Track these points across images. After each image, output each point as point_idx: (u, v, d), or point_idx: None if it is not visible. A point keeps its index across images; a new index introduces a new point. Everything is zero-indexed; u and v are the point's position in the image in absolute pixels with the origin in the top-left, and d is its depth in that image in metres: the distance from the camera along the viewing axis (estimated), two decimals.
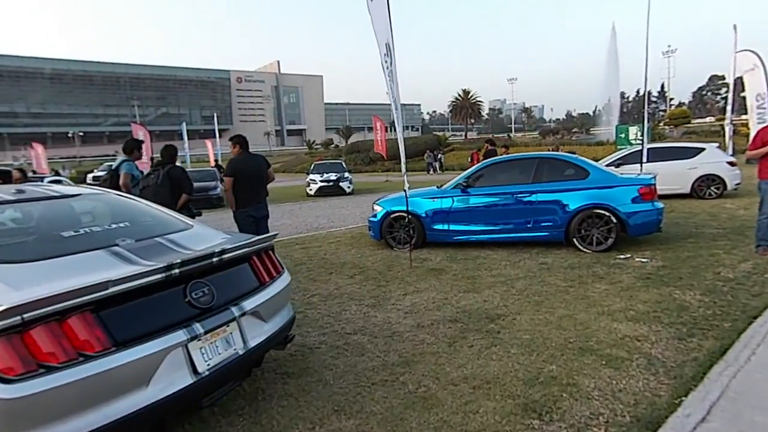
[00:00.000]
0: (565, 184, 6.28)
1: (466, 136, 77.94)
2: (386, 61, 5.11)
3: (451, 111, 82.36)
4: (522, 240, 6.51)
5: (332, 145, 70.13)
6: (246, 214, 5.75)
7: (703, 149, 11.00)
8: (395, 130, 6.23)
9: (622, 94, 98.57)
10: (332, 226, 10.12)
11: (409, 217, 6.89)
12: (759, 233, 5.59)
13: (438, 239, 6.89)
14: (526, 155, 7.15)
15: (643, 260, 5.55)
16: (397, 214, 6.99)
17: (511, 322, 3.87)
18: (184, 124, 35.95)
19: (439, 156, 35.48)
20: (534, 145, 40.85)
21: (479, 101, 79.37)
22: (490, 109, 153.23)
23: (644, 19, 8.99)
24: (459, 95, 79.23)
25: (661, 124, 55.15)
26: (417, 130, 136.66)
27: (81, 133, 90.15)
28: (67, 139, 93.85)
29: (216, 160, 29.20)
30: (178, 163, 5.86)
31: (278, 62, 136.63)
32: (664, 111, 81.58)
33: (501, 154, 13.73)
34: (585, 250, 6.15)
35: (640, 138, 21.75)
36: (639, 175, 6.79)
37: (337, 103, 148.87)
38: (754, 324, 3.49)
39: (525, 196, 6.36)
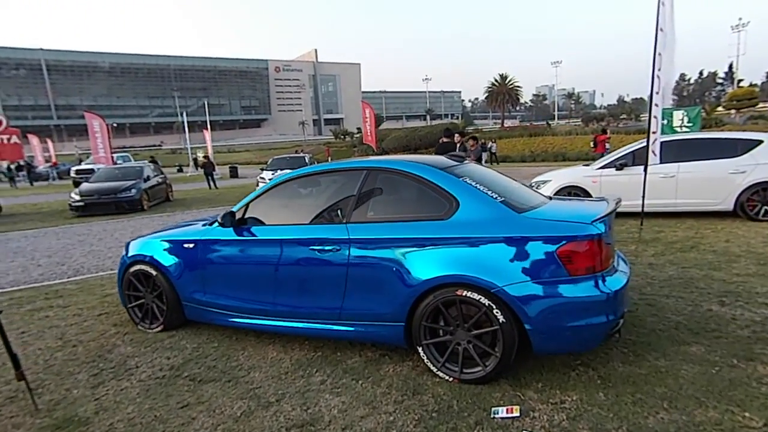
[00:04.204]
0: (408, 228, 2.94)
1: (503, 124, 72.58)
2: None
3: (486, 98, 76.95)
4: (332, 336, 3.24)
5: (357, 135, 67.10)
6: None
7: (759, 142, 7.01)
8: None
9: (683, 76, 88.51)
10: None
11: (156, 275, 3.79)
12: None
13: (201, 318, 3.74)
14: (347, 164, 3.74)
15: None
16: (138, 266, 3.89)
17: None
18: (184, 113, 34.24)
19: (490, 145, 27.80)
20: (572, 134, 35.78)
21: (518, 86, 73.54)
22: (534, 95, 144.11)
23: None
24: (496, 80, 73.75)
25: (720, 107, 47.36)
26: (457, 117, 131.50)
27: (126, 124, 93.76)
28: (121, 129, 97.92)
29: (205, 156, 26.82)
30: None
31: (315, 51, 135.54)
32: None
33: (471, 149, 10.35)
34: (440, 373, 2.82)
35: (688, 125, 17.45)
36: (576, 206, 3.33)
37: (374, 92, 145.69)
38: None
39: (330, 250, 3.07)
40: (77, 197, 12.22)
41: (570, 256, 2.57)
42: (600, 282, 2.61)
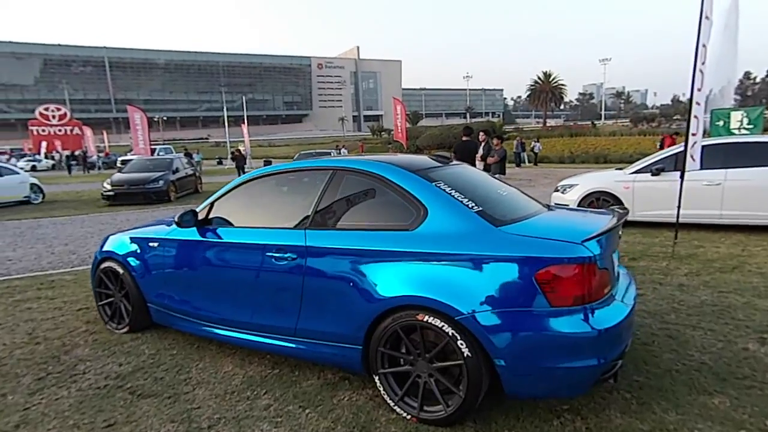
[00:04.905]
0: (369, 238, 2.55)
1: (545, 123, 70.07)
2: None
3: (528, 96, 74.45)
4: (289, 354, 2.91)
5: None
6: None
7: None
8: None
9: (747, 74, 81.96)
10: None
11: (123, 273, 3.60)
12: None
13: (167, 322, 3.51)
14: (315, 163, 3.29)
15: None
16: (108, 263, 3.72)
17: None
18: (224, 108, 35.11)
19: (533, 144, 27.43)
20: (617, 135, 33.75)
21: (562, 85, 70.67)
22: (580, 94, 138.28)
23: None
24: (539, 78, 71.16)
25: None
26: (498, 116, 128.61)
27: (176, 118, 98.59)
28: (172, 123, 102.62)
29: (237, 149, 27.21)
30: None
31: (357, 48, 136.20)
32: None
33: (495, 148, 9.77)
34: (397, 408, 2.43)
35: (747, 126, 16.06)
36: (571, 220, 2.84)
37: (413, 89, 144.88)
38: None
39: (286, 258, 2.73)
40: (108, 187, 12.59)
41: (551, 282, 2.11)
42: (590, 316, 2.14)
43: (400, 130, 20.98)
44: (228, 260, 3.03)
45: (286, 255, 2.72)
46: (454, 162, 3.20)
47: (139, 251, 3.50)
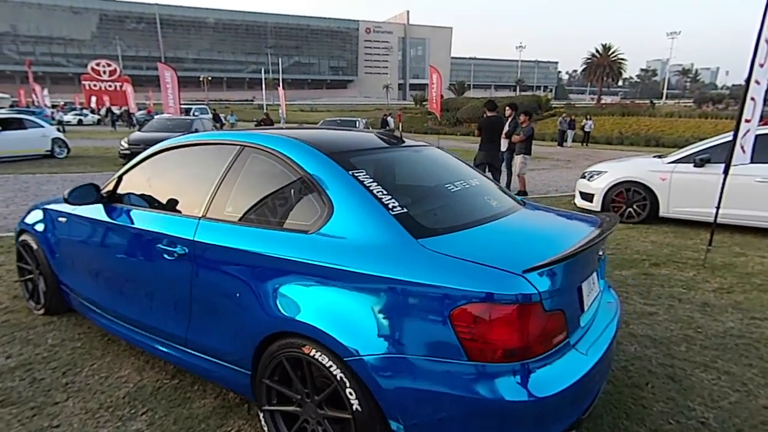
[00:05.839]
0: (262, 238, 1.95)
1: (599, 100, 65.61)
2: None
3: (584, 70, 69.60)
4: (181, 365, 2.42)
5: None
6: None
7: None
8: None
9: None
10: None
11: (36, 249, 3.22)
12: None
13: (79, 309, 3.09)
14: (223, 136, 2.58)
15: None
16: (24, 236, 3.34)
17: None
18: (262, 70, 34.80)
19: (584, 123, 24.38)
20: (674, 116, 30.75)
21: (621, 59, 65.38)
22: (642, 70, 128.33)
23: None
24: (597, 51, 66.19)
25: None
26: (550, 90, 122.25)
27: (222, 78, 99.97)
28: (218, 83, 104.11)
29: (266, 113, 26.80)
30: None
31: (407, 12, 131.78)
32: None
33: (523, 125, 8.83)
34: None
35: None
36: (531, 231, 2.09)
37: (462, 58, 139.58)
38: None
39: (174, 252, 2.21)
40: (126, 145, 12.55)
41: (472, 326, 1.47)
42: (527, 377, 1.49)
43: (435, 101, 19.91)
44: (123, 247, 2.54)
45: (175, 249, 2.20)
46: (410, 143, 2.54)
47: (49, 226, 3.09)
